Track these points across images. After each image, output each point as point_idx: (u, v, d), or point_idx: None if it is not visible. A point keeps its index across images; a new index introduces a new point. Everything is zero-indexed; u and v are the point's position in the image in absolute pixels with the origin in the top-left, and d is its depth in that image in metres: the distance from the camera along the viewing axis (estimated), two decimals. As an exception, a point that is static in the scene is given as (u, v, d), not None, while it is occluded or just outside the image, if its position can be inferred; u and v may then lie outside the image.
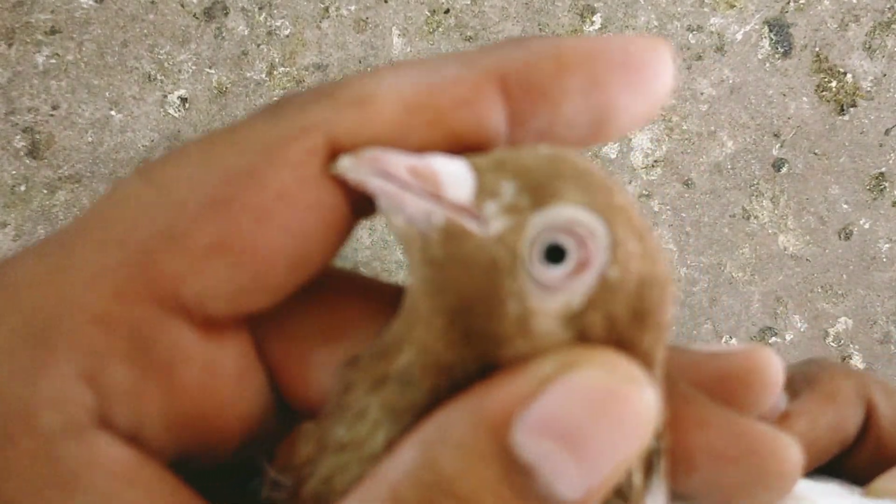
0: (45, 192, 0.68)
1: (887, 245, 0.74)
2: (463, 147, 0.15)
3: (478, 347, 0.14)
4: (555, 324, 0.14)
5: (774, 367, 0.16)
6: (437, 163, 0.14)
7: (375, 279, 0.17)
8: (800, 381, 0.26)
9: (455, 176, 0.14)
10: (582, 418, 0.13)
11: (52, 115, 0.68)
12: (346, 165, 0.14)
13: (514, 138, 0.16)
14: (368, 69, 0.57)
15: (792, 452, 0.15)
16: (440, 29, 0.70)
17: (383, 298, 0.16)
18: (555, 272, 0.14)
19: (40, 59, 0.68)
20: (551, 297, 0.14)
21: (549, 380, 0.13)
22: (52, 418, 0.14)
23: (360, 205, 0.15)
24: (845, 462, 0.26)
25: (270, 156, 0.14)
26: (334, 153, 0.15)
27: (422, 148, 0.15)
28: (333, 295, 0.17)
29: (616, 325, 0.14)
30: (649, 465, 0.15)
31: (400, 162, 0.14)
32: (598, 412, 0.13)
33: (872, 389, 0.26)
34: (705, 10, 0.71)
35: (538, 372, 0.13)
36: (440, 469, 0.13)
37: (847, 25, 0.72)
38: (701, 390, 0.16)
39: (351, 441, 0.15)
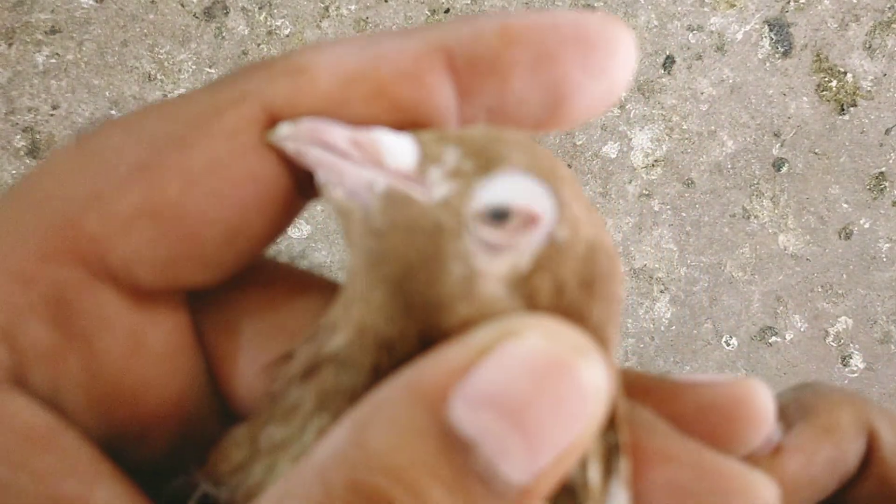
0: (45, 191, 0.68)
1: (887, 245, 0.74)
2: (410, 123, 0.15)
3: (419, 318, 0.13)
4: (500, 287, 0.13)
5: (763, 400, 0.15)
6: (378, 134, 0.14)
7: (323, 277, 0.17)
8: (794, 411, 0.24)
9: (397, 146, 0.14)
10: (523, 389, 0.12)
11: (52, 115, 0.68)
12: (284, 134, 0.14)
13: (465, 116, 0.15)
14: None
15: (765, 492, 0.14)
16: (440, 29, 0.70)
17: (330, 296, 0.15)
18: (501, 231, 0.13)
19: (40, 58, 0.68)
20: (497, 257, 0.13)
21: (488, 348, 0.12)
22: None
23: (306, 183, 0.15)
24: (845, 497, 0.24)
25: (202, 123, 0.14)
26: (273, 124, 0.14)
27: (364, 121, 0.14)
28: (277, 289, 0.16)
29: (564, 291, 0.13)
30: (608, 465, 0.14)
31: (340, 133, 0.14)
32: (540, 383, 0.12)
33: (874, 419, 0.24)
34: (705, 9, 0.71)
35: (477, 341, 0.12)
36: (370, 446, 0.12)
37: (847, 25, 0.72)
38: (679, 424, 0.15)
39: (285, 439, 0.14)
